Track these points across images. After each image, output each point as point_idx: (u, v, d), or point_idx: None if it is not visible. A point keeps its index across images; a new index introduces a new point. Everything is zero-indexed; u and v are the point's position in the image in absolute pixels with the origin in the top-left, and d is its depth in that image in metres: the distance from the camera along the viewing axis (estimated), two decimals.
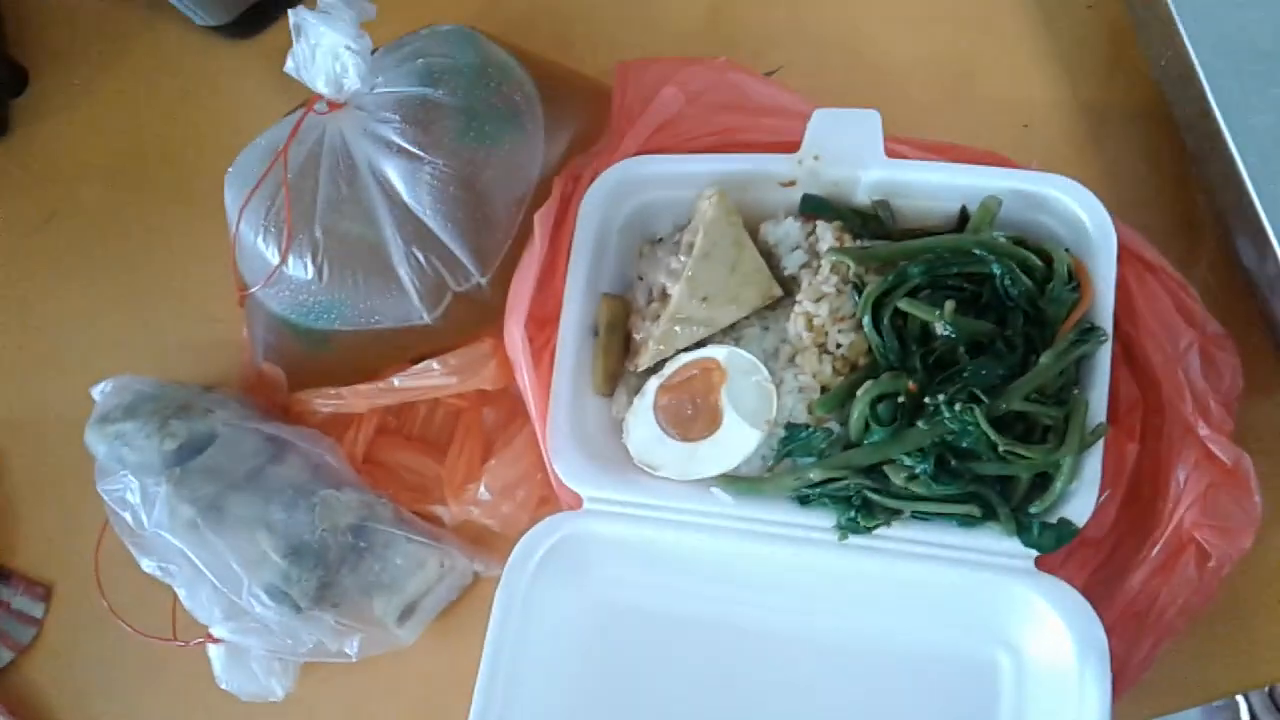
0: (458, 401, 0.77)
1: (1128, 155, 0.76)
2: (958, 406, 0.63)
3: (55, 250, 0.93)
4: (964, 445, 0.64)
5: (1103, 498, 0.65)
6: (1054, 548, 0.64)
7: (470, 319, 0.75)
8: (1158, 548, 0.66)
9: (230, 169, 0.77)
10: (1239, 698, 1.16)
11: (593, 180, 0.73)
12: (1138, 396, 0.69)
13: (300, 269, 0.73)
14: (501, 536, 0.74)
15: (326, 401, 0.75)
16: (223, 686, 0.74)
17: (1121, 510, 0.68)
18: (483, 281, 0.74)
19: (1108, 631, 0.63)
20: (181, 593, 0.72)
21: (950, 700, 0.67)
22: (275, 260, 0.73)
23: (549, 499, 0.73)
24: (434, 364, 0.73)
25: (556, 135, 0.76)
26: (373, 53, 0.73)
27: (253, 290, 0.75)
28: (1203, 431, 0.65)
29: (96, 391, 0.77)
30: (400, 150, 0.72)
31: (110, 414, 0.75)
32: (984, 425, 0.63)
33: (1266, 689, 1.12)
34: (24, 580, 0.84)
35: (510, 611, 0.68)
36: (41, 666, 0.82)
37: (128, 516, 0.73)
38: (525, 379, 0.71)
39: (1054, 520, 0.64)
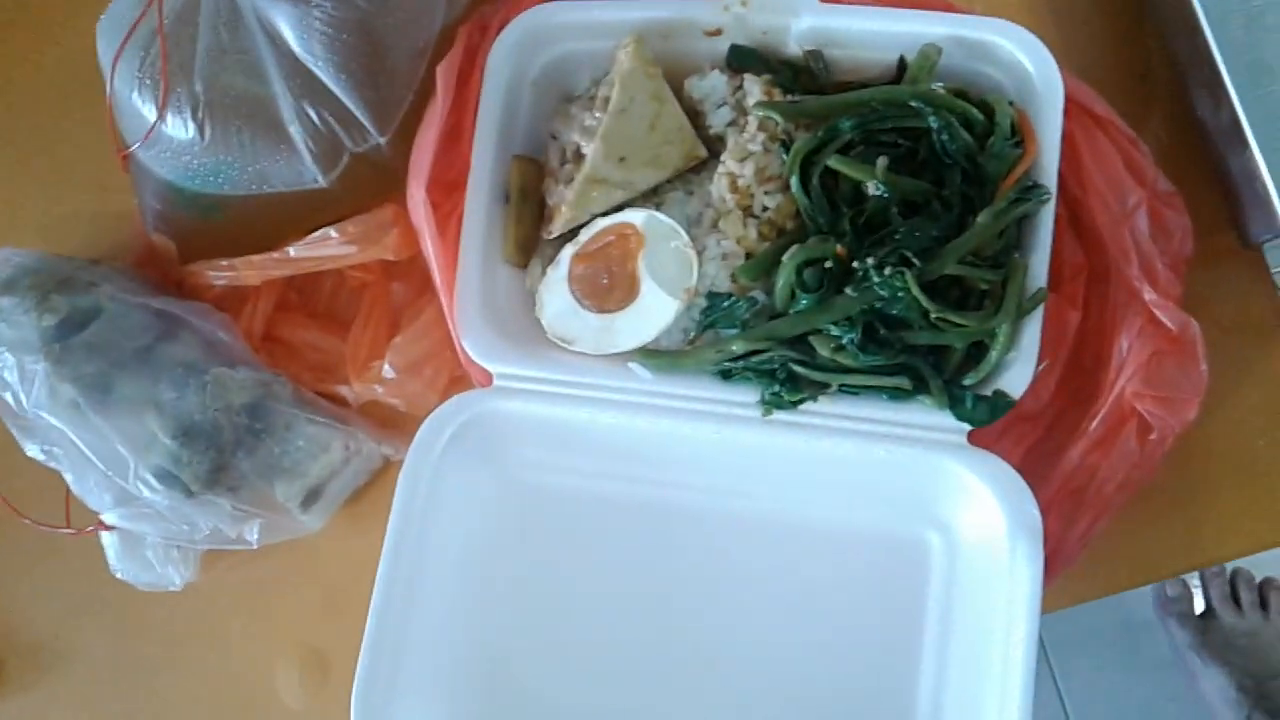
0: (363, 275, 0.72)
1: (1079, 2, 0.71)
2: (888, 271, 0.59)
3: None
4: (894, 313, 0.60)
5: (1041, 368, 0.62)
6: (988, 421, 0.61)
7: (370, 183, 0.69)
8: (1098, 420, 0.63)
9: (102, 17, 0.69)
10: (1194, 588, 1.15)
11: (501, 29, 0.67)
12: (1082, 261, 0.65)
13: (180, 127, 0.66)
14: (410, 417, 0.70)
15: (219, 274, 0.69)
16: (118, 576, 0.70)
17: (1061, 382, 0.65)
18: (381, 141, 0.68)
19: (1044, 509, 0.60)
20: (69, 478, 0.67)
21: (879, 580, 0.64)
22: (153, 116, 0.66)
23: (459, 378, 0.68)
24: (331, 232, 0.68)
25: None
26: None
27: (132, 150, 0.68)
28: (1148, 296, 0.62)
29: None
30: None
31: None
32: (915, 290, 0.59)
33: (1227, 578, 1.10)
34: None
35: (415, 495, 0.64)
36: None
37: (8, 397, 0.67)
38: (430, 248, 0.66)
39: (989, 393, 0.61)
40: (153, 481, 0.64)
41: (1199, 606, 1.14)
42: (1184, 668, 1.13)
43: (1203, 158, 0.66)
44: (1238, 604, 1.09)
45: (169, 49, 0.66)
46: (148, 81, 0.66)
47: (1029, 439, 0.65)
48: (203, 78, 0.65)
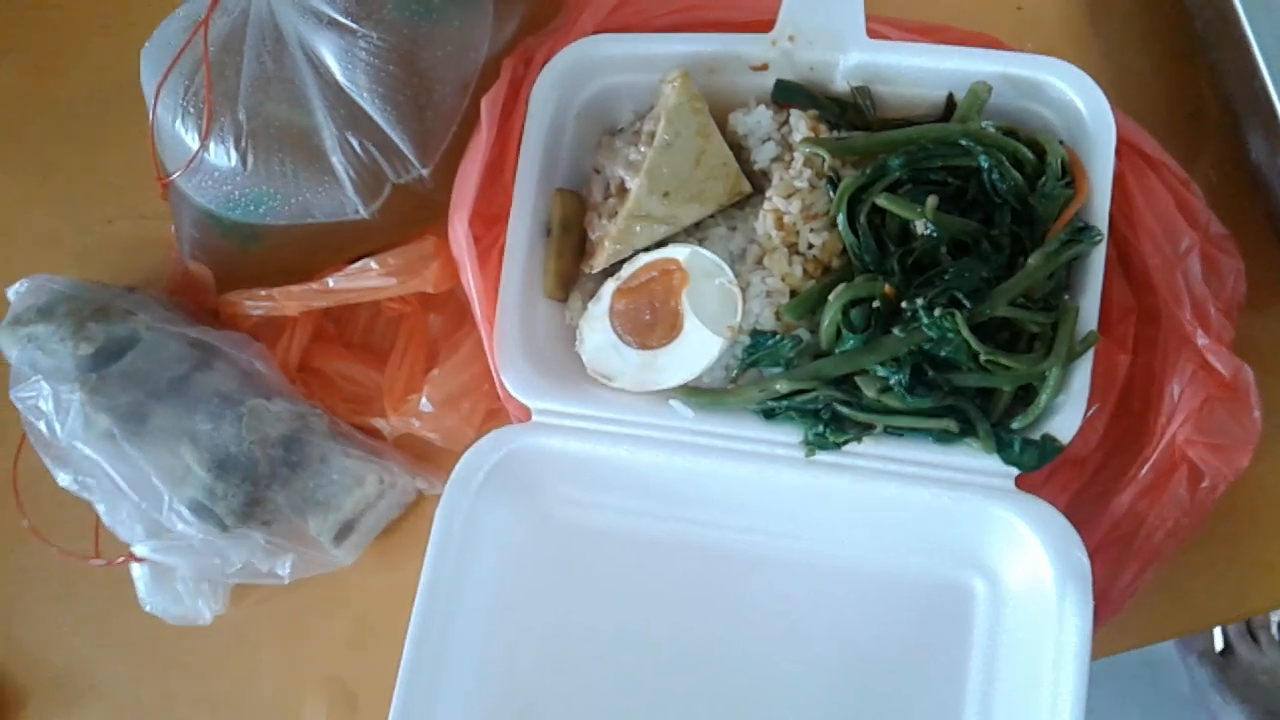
0: (400, 306, 0.71)
1: (1129, 40, 0.70)
2: (937, 312, 0.58)
3: None
4: (943, 354, 0.59)
5: (1090, 412, 0.61)
6: (1036, 466, 0.60)
7: (412, 214, 0.69)
8: (1147, 466, 0.61)
9: (146, 45, 0.69)
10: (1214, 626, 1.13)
11: (546, 62, 0.67)
12: (1132, 303, 0.64)
13: (222, 156, 0.66)
14: (446, 452, 0.69)
15: (257, 304, 0.69)
16: (147, 609, 0.69)
17: (1110, 426, 0.64)
18: (424, 172, 0.67)
19: (1091, 556, 0.59)
20: (101, 508, 0.67)
21: (922, 626, 0.63)
22: (195, 145, 0.66)
23: (497, 411, 0.67)
24: (372, 263, 0.67)
25: (507, 12, 0.69)
26: None
27: (173, 178, 0.68)
28: (1201, 341, 0.61)
29: (11, 292, 0.71)
30: (333, 23, 0.65)
31: (23, 315, 0.69)
32: (965, 332, 0.58)
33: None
34: None
35: (452, 531, 0.63)
36: None
37: (41, 426, 0.67)
38: (471, 281, 0.66)
39: (1037, 436, 0.60)
40: (187, 514, 0.63)
41: (1219, 644, 1.12)
42: (1204, 705, 1.12)
43: (1255, 200, 0.65)
44: (1256, 641, 1.08)
45: (213, 77, 0.65)
46: (191, 109, 0.66)
47: (1076, 483, 0.64)
48: (246, 106, 0.65)
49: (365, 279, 0.67)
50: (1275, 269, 0.65)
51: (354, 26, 0.65)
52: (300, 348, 0.70)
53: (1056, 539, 0.58)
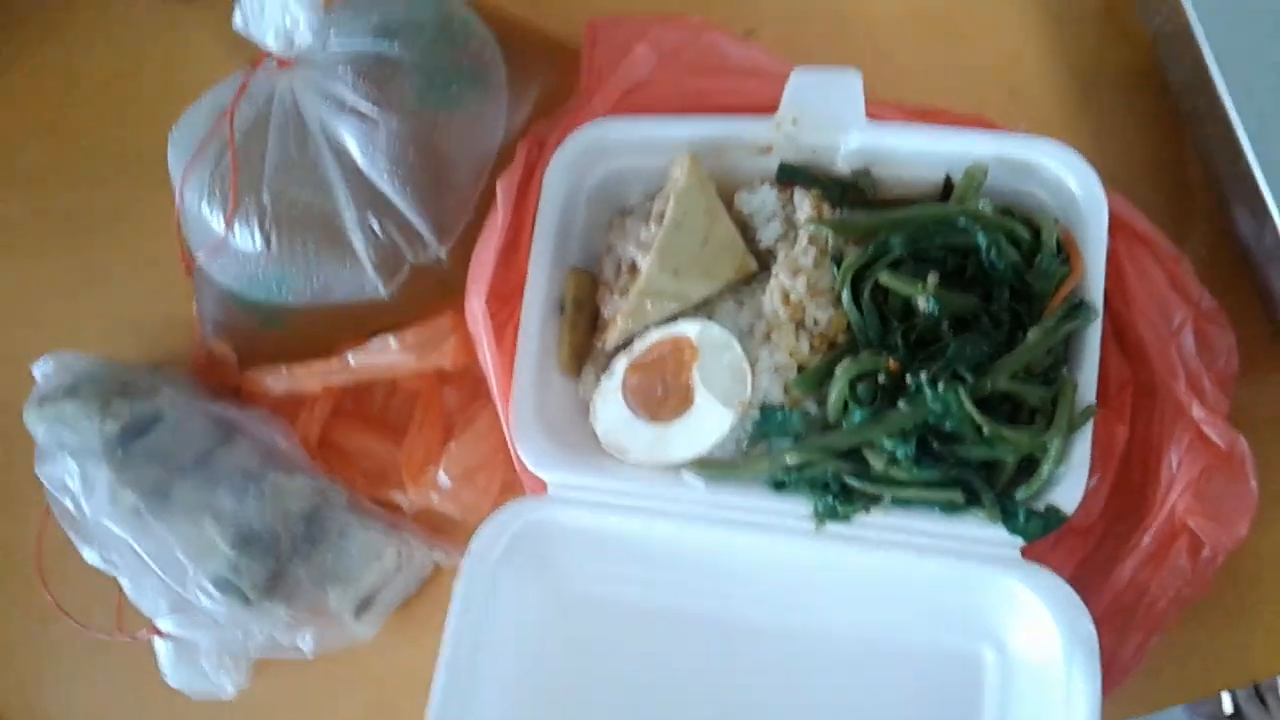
0: (417, 382, 0.72)
1: (1119, 120, 0.73)
2: (940, 386, 0.60)
3: None
4: (947, 427, 0.61)
5: (1091, 483, 0.62)
6: (1040, 535, 0.61)
7: (429, 293, 0.71)
8: (1149, 536, 0.63)
9: (173, 129, 0.72)
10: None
11: (559, 145, 0.69)
12: (1129, 376, 0.66)
13: (247, 238, 0.68)
14: (463, 525, 0.70)
15: (278, 380, 0.70)
16: (170, 684, 0.69)
17: (1111, 496, 0.65)
18: (442, 253, 0.69)
19: (1097, 624, 0.59)
20: (125, 583, 0.68)
21: (933, 695, 0.64)
22: (220, 228, 0.68)
23: (512, 484, 0.69)
24: (391, 340, 0.69)
25: (521, 97, 0.72)
26: (326, 7, 0.69)
27: (198, 260, 0.70)
28: (1196, 413, 0.62)
29: (37, 370, 0.72)
30: (354, 110, 0.68)
31: (50, 393, 0.70)
32: (968, 406, 0.59)
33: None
34: None
35: (470, 604, 0.64)
36: None
37: (68, 503, 0.68)
38: (487, 357, 0.67)
39: (1041, 507, 0.61)
40: (211, 589, 0.64)
41: (1228, 708, 1.12)
42: None
43: (1245, 273, 0.67)
44: (1265, 705, 1.08)
45: (238, 162, 0.68)
46: (216, 193, 0.68)
47: (1080, 552, 0.65)
48: (270, 190, 0.68)
49: (385, 356, 0.69)
50: (1267, 341, 0.66)
51: (375, 114, 0.67)
52: (320, 423, 0.72)
53: (1063, 608, 0.59)
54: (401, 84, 0.68)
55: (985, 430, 0.60)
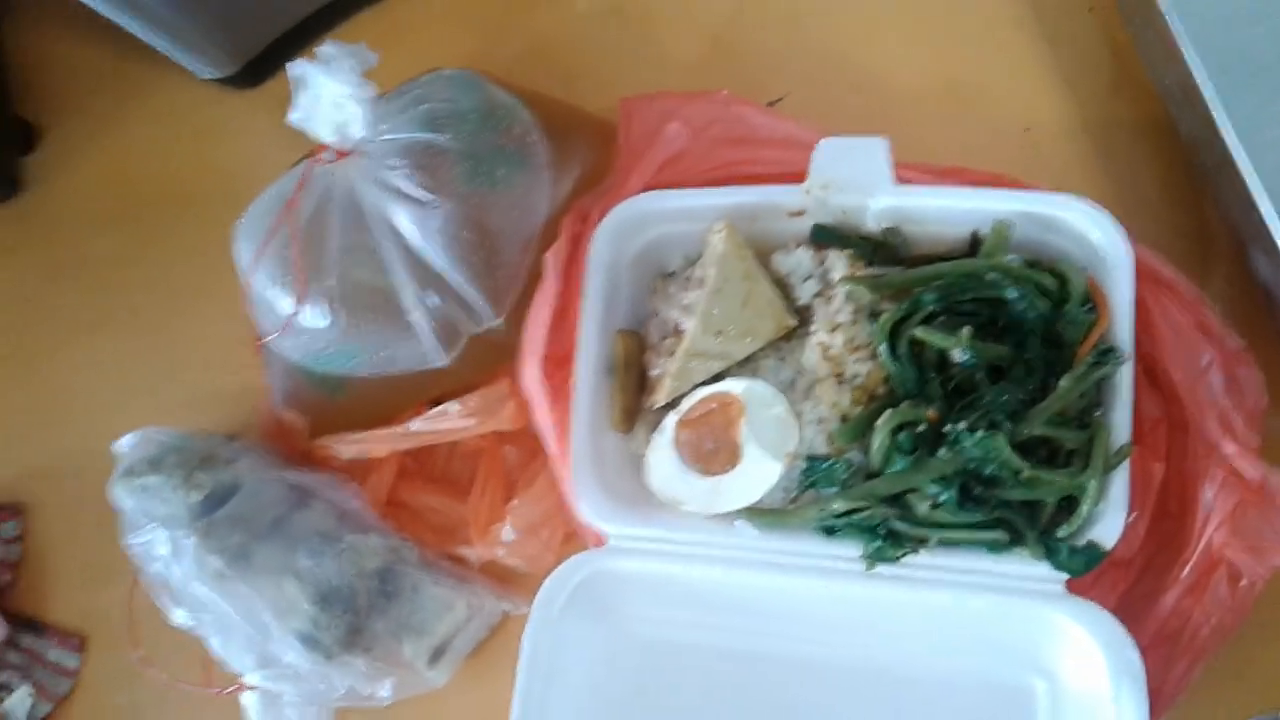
0: (478, 441, 0.75)
1: (1137, 171, 0.74)
2: (979, 434, 0.61)
3: (71, 304, 0.92)
4: (987, 472, 0.62)
5: (1130, 519, 0.63)
6: (1083, 571, 0.62)
7: (487, 359, 0.73)
8: (1188, 568, 0.64)
9: (240, 221, 0.75)
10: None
11: (601, 218, 0.72)
12: (1161, 414, 0.67)
13: (315, 318, 0.71)
14: (528, 575, 0.72)
15: (347, 447, 0.74)
16: None
17: (1150, 530, 0.66)
18: (497, 323, 0.72)
19: (1142, 653, 0.61)
20: (214, 641, 0.71)
21: None
22: (289, 310, 0.71)
23: (573, 536, 0.71)
24: (452, 406, 0.72)
25: (563, 174, 0.75)
26: (376, 99, 0.72)
27: (268, 340, 0.74)
28: (1228, 449, 0.63)
29: (121, 444, 0.75)
30: (409, 197, 0.71)
31: (135, 467, 0.74)
32: (1006, 452, 0.61)
33: None
34: (59, 632, 0.82)
35: (539, 651, 0.66)
36: (79, 717, 0.81)
37: (157, 569, 0.71)
38: (544, 419, 0.70)
39: (1082, 543, 0.62)
40: (296, 644, 0.67)
41: None
42: None
43: (1267, 315, 0.68)
44: None
45: (302, 248, 0.71)
46: (285, 279, 0.71)
47: (1122, 585, 0.66)
48: (335, 273, 0.71)
49: (447, 421, 0.72)
50: None
51: (427, 199, 0.70)
52: (387, 485, 0.74)
53: (1109, 639, 0.60)
54: (451, 169, 0.71)
55: (1024, 474, 0.61)
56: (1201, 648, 0.63)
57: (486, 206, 0.72)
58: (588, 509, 0.68)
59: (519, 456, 0.74)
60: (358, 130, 0.71)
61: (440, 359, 0.72)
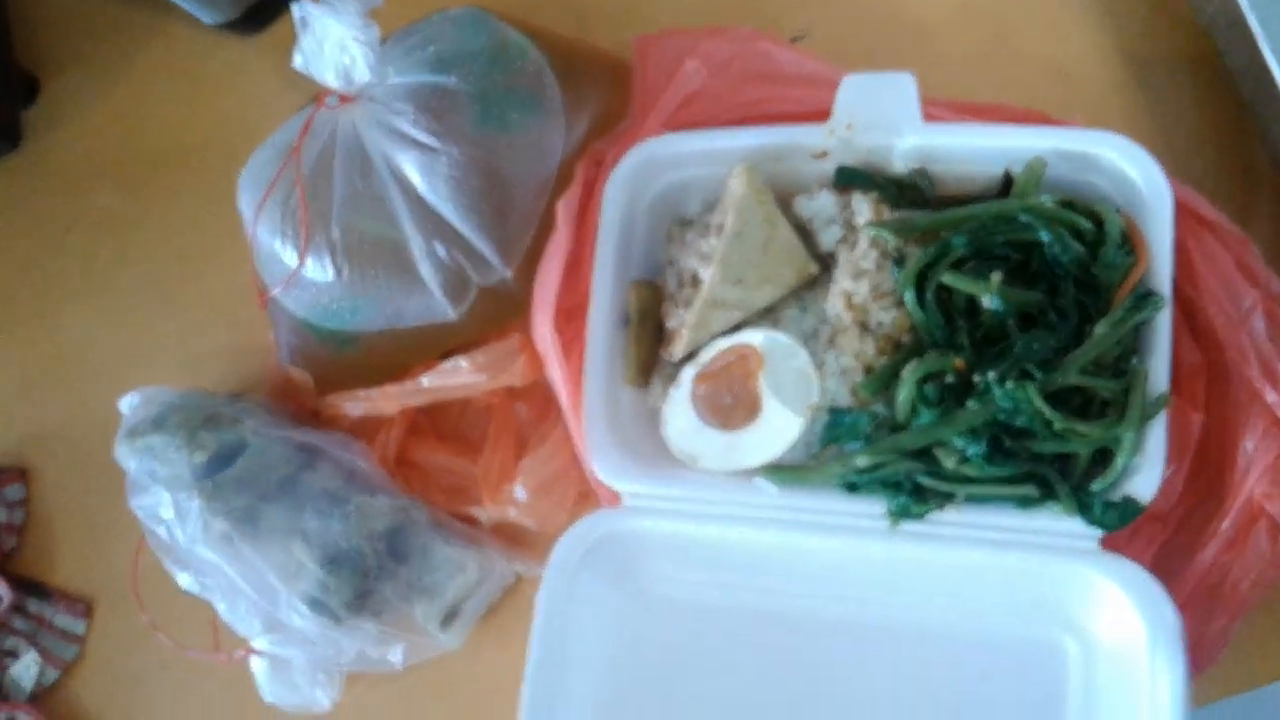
0: (489, 398, 0.75)
1: (1177, 105, 0.72)
2: (1009, 384, 0.60)
3: (73, 262, 0.92)
4: (1018, 424, 0.61)
5: (1168, 472, 0.62)
6: (1119, 526, 0.61)
7: (497, 312, 0.73)
8: (1228, 521, 0.63)
9: (243, 171, 0.75)
10: None
11: (616, 163, 0.71)
12: (1200, 361, 0.65)
13: (319, 270, 0.71)
14: (541, 535, 0.72)
15: (356, 404, 0.73)
16: (267, 699, 0.72)
17: (1188, 482, 0.65)
18: (507, 274, 0.71)
19: (1180, 609, 0.60)
20: (221, 606, 0.71)
21: (1017, 688, 0.64)
22: (293, 262, 0.71)
23: (587, 495, 0.71)
24: (462, 361, 0.71)
25: (577, 117, 0.74)
26: (382, 42, 0.71)
27: (273, 294, 0.73)
28: (1271, 398, 0.62)
29: (123, 404, 0.75)
30: (415, 142, 0.70)
31: (138, 427, 0.74)
32: (1038, 403, 0.60)
33: None
34: (65, 597, 0.83)
35: (553, 614, 0.66)
36: (86, 683, 0.82)
37: (162, 532, 0.71)
38: (556, 374, 0.69)
39: (1117, 498, 0.61)
40: (303, 609, 0.67)
41: None
42: None
43: None
44: None
45: (307, 198, 0.70)
46: (289, 230, 0.71)
47: (1159, 539, 0.65)
48: (339, 224, 0.70)
49: (457, 376, 0.71)
50: None
51: (436, 144, 0.69)
52: (397, 443, 0.74)
53: (1145, 597, 0.60)
54: (460, 113, 0.70)
55: (1056, 425, 0.60)
56: (1241, 603, 0.63)
57: (497, 152, 0.71)
58: (601, 467, 0.67)
59: (531, 413, 0.74)
60: (363, 74, 0.70)
61: (449, 313, 0.71)
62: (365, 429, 0.75)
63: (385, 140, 0.71)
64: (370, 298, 0.70)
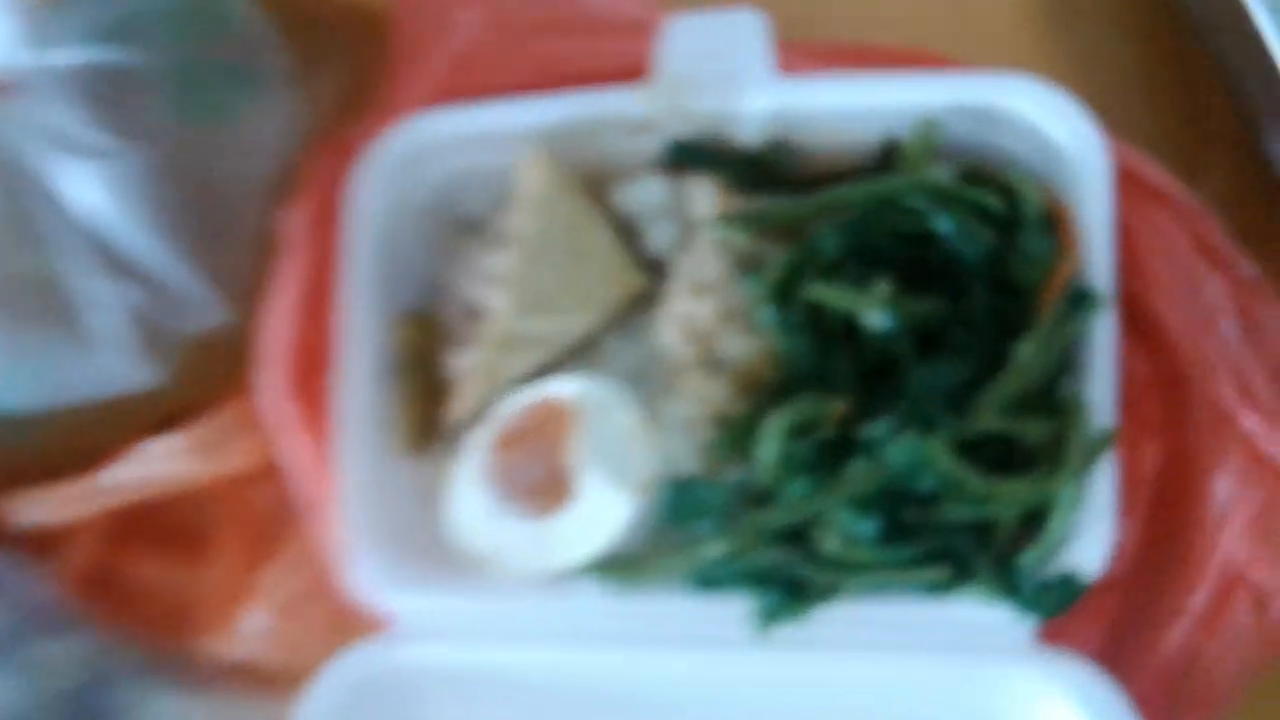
0: (221, 483, 0.58)
1: (1105, 38, 0.61)
2: (907, 436, 0.47)
3: None
4: (921, 489, 0.48)
5: (1119, 534, 0.49)
6: (1058, 611, 0.49)
7: (220, 369, 0.58)
8: (1199, 591, 0.51)
9: None
10: None
11: (368, 154, 0.56)
12: (1150, 372, 0.53)
13: None
14: (298, 674, 0.55)
15: (29, 511, 0.57)
16: None
17: (1144, 536, 0.52)
18: (223, 317, 0.56)
19: (1141, 708, 0.47)
20: None
21: None
22: None
23: (351, 616, 0.55)
24: (166, 443, 0.56)
25: (312, 95, 0.59)
26: (33, 10, 0.55)
27: None
28: (1248, 424, 0.51)
29: None
30: (84, 146, 0.55)
31: None
32: (946, 460, 0.47)
33: None
34: None
35: None
36: None
37: None
38: (296, 450, 0.55)
39: (1054, 573, 0.48)
40: None
41: None
42: None
43: None
44: None
45: None
46: None
47: (1109, 614, 0.54)
48: None
49: (160, 464, 0.56)
50: None
51: (113, 145, 0.54)
52: (91, 556, 0.58)
53: (1094, 700, 0.47)
54: (145, 99, 0.55)
55: (972, 486, 0.48)
56: (1219, 696, 0.51)
57: (201, 149, 0.56)
58: (364, 578, 0.53)
59: (276, 503, 0.58)
60: (5, 53, 0.55)
61: (143, 377, 0.54)
62: (47, 542, 0.58)
63: (41, 147, 0.55)
64: (21, 363, 0.54)
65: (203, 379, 0.57)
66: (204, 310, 0.56)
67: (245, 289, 0.57)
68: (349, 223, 0.55)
